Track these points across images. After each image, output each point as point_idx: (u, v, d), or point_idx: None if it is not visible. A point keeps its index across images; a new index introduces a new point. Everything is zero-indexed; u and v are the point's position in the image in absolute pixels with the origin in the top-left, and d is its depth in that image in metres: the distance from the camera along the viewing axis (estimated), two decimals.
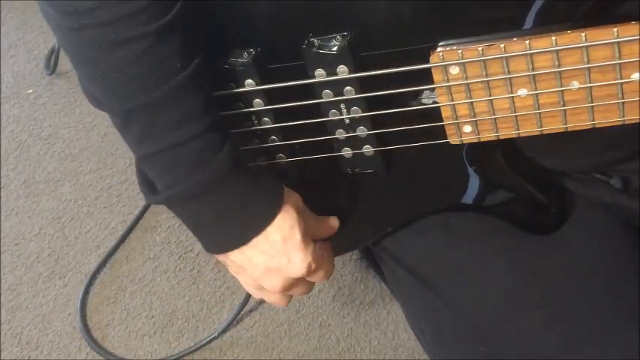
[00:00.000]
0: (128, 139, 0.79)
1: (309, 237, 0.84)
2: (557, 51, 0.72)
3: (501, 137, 0.81)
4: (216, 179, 0.78)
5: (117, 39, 0.72)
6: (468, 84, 0.77)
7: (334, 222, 0.91)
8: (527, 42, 0.73)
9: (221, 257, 0.86)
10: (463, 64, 0.76)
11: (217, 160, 0.77)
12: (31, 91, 1.99)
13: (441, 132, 0.82)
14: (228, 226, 0.81)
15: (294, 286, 0.87)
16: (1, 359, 1.42)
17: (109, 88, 0.75)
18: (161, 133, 0.76)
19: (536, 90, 0.76)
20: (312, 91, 0.82)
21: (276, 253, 0.82)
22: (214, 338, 1.36)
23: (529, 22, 0.74)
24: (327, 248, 0.90)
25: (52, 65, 1.99)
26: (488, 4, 0.75)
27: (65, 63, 1.96)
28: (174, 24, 0.74)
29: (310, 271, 0.84)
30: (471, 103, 0.78)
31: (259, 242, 0.82)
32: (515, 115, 0.78)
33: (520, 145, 0.87)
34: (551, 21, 0.73)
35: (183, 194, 0.78)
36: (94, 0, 0.71)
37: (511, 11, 0.74)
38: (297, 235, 0.82)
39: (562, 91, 0.75)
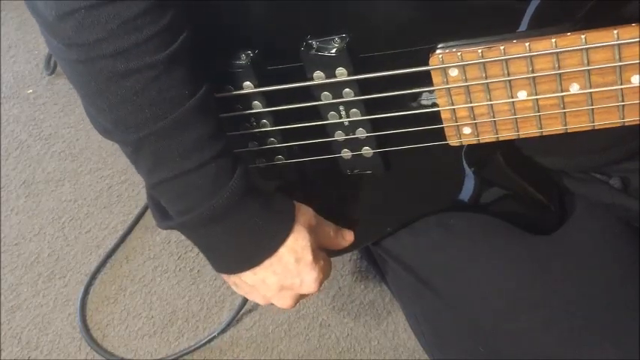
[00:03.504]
0: (140, 167, 0.79)
1: (321, 250, 0.85)
2: (557, 53, 0.72)
3: (501, 139, 0.81)
4: (229, 204, 0.77)
5: (125, 69, 0.72)
6: (467, 86, 0.77)
7: (350, 236, 0.92)
8: (527, 44, 0.72)
9: (232, 279, 0.86)
10: (462, 66, 0.75)
11: (230, 185, 0.77)
12: (31, 91, 1.98)
13: (440, 133, 0.82)
14: (242, 249, 0.81)
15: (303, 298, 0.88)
16: (1, 359, 1.42)
17: (118, 118, 0.75)
18: (173, 160, 0.76)
19: (536, 92, 0.75)
20: (311, 93, 0.82)
21: (289, 274, 0.83)
22: (214, 337, 1.36)
23: (524, 25, 0.74)
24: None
25: (52, 65, 1.99)
26: (486, 6, 0.74)
27: None
28: (182, 52, 0.74)
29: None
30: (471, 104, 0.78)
31: (272, 264, 0.82)
32: (515, 117, 0.78)
33: (519, 144, 0.87)
34: (546, 24, 0.73)
35: (197, 220, 0.78)
36: (101, 31, 0.70)
37: (508, 13, 0.74)
38: (308, 256, 0.83)
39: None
